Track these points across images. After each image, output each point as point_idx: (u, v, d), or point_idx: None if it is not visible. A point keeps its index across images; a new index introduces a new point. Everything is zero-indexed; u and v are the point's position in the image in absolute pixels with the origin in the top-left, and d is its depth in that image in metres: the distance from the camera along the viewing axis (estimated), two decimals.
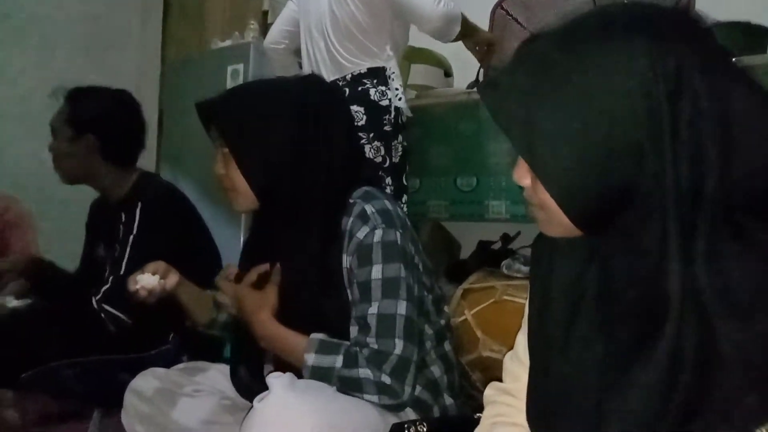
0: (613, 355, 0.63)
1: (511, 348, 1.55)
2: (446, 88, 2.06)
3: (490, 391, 0.89)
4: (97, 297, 1.64)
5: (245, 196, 1.19)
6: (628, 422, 0.59)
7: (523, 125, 0.60)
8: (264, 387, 1.18)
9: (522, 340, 0.83)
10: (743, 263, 0.56)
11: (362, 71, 1.82)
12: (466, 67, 2.28)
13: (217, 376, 1.36)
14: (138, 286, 1.24)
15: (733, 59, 0.62)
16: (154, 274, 1.26)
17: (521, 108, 0.61)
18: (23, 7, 3.01)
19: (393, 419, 1.05)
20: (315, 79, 1.26)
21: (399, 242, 1.10)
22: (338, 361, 1.05)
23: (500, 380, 1.57)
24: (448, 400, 1.21)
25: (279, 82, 1.26)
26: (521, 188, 0.69)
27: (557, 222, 0.64)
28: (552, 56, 0.60)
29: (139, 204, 1.68)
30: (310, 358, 1.06)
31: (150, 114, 2.42)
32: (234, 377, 1.29)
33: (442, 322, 1.25)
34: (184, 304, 1.33)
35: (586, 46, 0.60)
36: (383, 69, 1.82)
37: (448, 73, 2.59)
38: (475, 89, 1.92)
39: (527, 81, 0.61)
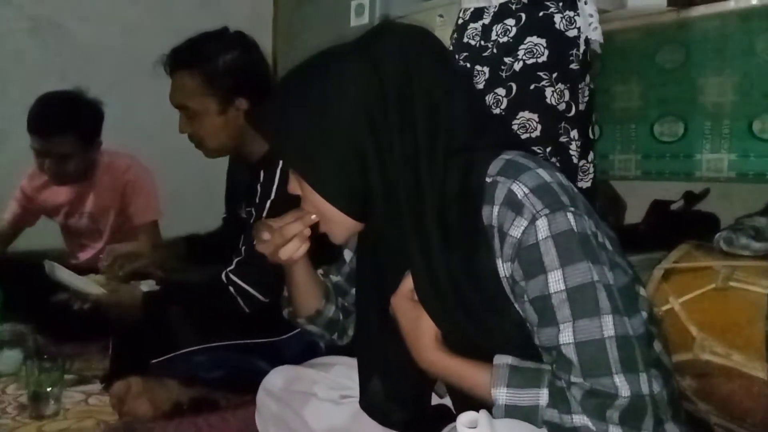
0: None
1: (746, 352, 1.23)
2: (637, 5, 1.64)
3: None
4: (230, 268, 1.55)
5: (340, 223, 0.94)
6: None
7: None
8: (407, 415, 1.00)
9: None
10: None
11: None
12: None
13: None
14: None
15: None
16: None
17: None
18: None
19: None
20: (380, 32, 0.93)
21: (575, 228, 0.79)
22: (542, 397, 0.79)
23: (724, 394, 1.28)
24: (672, 430, 0.91)
25: (334, 56, 0.92)
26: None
27: None
28: None
29: (281, 164, 1.52)
30: (501, 395, 0.80)
31: None
32: (364, 394, 1.08)
33: (644, 313, 0.93)
34: (295, 283, 1.12)
35: None
36: None
37: None
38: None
39: None
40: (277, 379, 1.27)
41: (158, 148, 2.60)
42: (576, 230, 0.80)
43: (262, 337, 1.58)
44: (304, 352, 1.55)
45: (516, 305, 0.85)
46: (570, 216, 0.80)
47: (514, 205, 0.81)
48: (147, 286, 1.73)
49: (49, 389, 1.45)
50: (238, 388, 1.51)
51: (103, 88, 2.27)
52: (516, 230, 0.81)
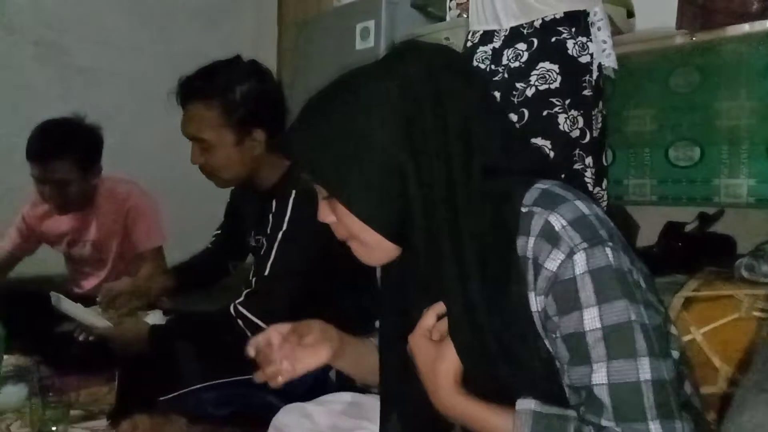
0: None
1: None
2: (646, 30, 1.62)
3: None
4: (239, 300, 1.50)
5: (377, 247, 0.90)
6: None
7: None
8: None
9: None
10: None
11: (557, 16, 1.43)
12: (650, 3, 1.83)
13: None
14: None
15: None
16: None
17: None
18: None
19: None
20: (406, 52, 0.91)
21: (614, 264, 0.76)
22: None
23: None
24: None
25: (362, 77, 0.90)
26: None
27: None
28: None
29: (293, 193, 1.47)
30: None
31: None
32: (383, 429, 1.04)
33: (676, 352, 0.89)
34: (347, 371, 1.12)
35: None
36: (584, 14, 1.43)
37: (630, 13, 2.14)
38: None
39: None
40: (287, 417, 1.23)
41: (162, 172, 2.58)
42: (614, 266, 0.76)
43: None
44: (314, 385, 1.50)
45: (546, 341, 0.82)
46: (609, 251, 0.77)
47: (551, 237, 0.78)
48: (154, 316, 1.70)
49: (54, 429, 1.41)
50: (248, 424, 1.44)
51: (106, 111, 2.25)
52: (552, 263, 0.77)
